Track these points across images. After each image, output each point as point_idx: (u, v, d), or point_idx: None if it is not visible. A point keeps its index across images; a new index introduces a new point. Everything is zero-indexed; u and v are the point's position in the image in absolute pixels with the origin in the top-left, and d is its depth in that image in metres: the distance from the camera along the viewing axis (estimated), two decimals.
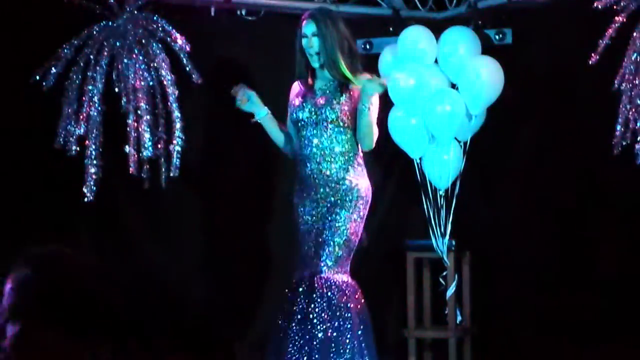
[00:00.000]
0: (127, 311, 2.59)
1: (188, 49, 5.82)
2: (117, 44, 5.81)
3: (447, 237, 6.55)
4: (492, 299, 6.78)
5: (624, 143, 5.63)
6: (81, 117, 5.76)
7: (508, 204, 6.84)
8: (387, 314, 6.97)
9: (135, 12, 5.88)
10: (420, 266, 6.83)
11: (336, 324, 5.22)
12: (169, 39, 5.84)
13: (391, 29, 6.76)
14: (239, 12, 6.58)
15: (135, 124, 5.82)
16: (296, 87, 5.52)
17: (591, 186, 6.46)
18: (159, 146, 5.88)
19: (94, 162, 5.81)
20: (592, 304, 6.34)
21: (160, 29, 5.84)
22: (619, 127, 5.64)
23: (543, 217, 6.67)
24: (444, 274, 6.66)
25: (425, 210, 6.54)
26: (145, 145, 5.83)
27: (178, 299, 6.71)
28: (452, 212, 6.50)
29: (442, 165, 6.43)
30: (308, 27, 5.35)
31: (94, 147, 5.80)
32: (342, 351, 5.22)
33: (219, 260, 6.81)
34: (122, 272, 6.53)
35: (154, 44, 5.83)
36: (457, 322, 6.66)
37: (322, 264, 5.27)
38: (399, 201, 6.77)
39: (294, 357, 5.22)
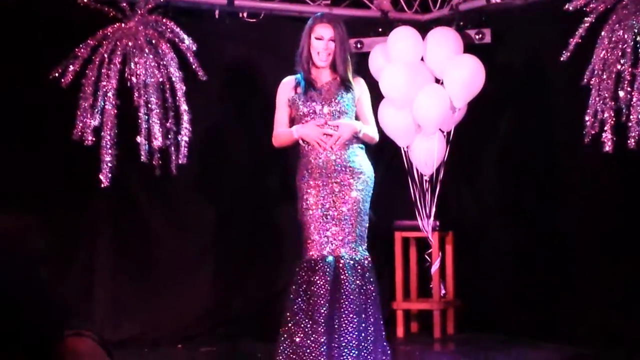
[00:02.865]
0: None
1: (194, 48, 5.72)
2: (130, 43, 5.71)
3: (432, 218, 6.51)
4: (473, 274, 6.75)
5: (593, 132, 5.54)
6: (96, 110, 5.66)
7: (487, 188, 6.81)
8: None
9: (146, 14, 5.78)
10: (407, 245, 6.79)
11: (362, 298, 5.12)
12: (176, 39, 5.75)
13: (380, 29, 6.69)
14: (240, 15, 6.49)
15: (147, 117, 5.73)
16: (291, 83, 5.34)
17: (563, 171, 6.40)
18: (169, 136, 5.77)
19: (109, 151, 5.71)
20: (564, 277, 6.27)
21: (169, 29, 5.76)
22: (588, 118, 5.54)
23: (519, 200, 6.63)
24: (429, 251, 6.63)
25: (412, 194, 6.49)
26: (156, 136, 5.72)
27: (189, 280, 6.60)
28: (436, 195, 6.46)
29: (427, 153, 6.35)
30: (326, 31, 5.21)
31: (109, 137, 5.70)
32: (367, 323, 5.12)
33: (226, 243, 6.70)
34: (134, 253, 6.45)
35: (163, 44, 5.73)
36: (441, 295, 6.62)
37: (343, 244, 5.16)
38: (387, 185, 6.66)
39: (323, 337, 5.08)
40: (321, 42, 5.21)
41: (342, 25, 5.27)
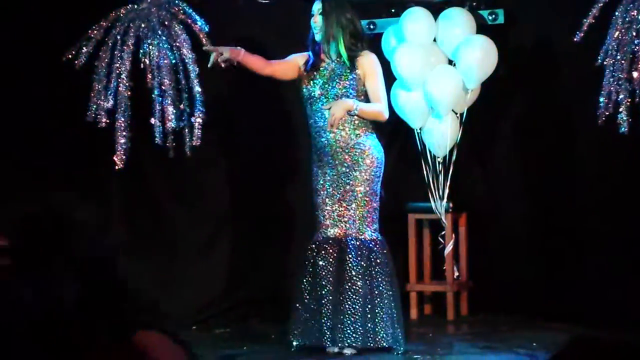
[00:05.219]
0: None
1: (207, 29, 5.70)
2: (142, 25, 5.70)
3: (445, 199, 6.48)
4: (486, 256, 6.71)
5: (607, 114, 5.52)
6: (110, 92, 5.66)
7: (500, 169, 6.78)
8: None
9: None
10: (420, 226, 6.76)
11: (367, 280, 5.12)
12: (189, 20, 5.72)
13: (393, 10, 6.65)
14: None
15: (160, 99, 5.72)
16: (305, 56, 5.36)
17: (577, 153, 6.38)
18: (183, 118, 5.77)
19: (123, 133, 5.71)
20: (577, 259, 6.26)
21: (181, 11, 5.74)
22: (602, 99, 5.52)
23: (533, 181, 6.60)
24: (442, 233, 6.60)
25: (425, 175, 6.47)
26: (169, 118, 5.72)
27: (202, 262, 6.60)
28: (449, 177, 6.44)
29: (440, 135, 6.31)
30: (315, 6, 5.26)
31: (122, 119, 5.70)
32: (374, 304, 5.13)
33: (240, 224, 6.70)
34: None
35: (176, 25, 5.72)
36: (455, 277, 6.61)
37: (348, 226, 5.16)
38: (401, 167, 6.65)
39: (328, 314, 5.10)
40: (312, 18, 5.26)
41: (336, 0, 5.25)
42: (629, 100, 5.44)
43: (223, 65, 5.15)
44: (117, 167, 5.75)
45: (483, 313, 6.59)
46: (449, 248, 6.53)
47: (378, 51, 6.06)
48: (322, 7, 5.23)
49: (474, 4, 6.46)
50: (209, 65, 5.16)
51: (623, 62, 5.43)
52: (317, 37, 5.27)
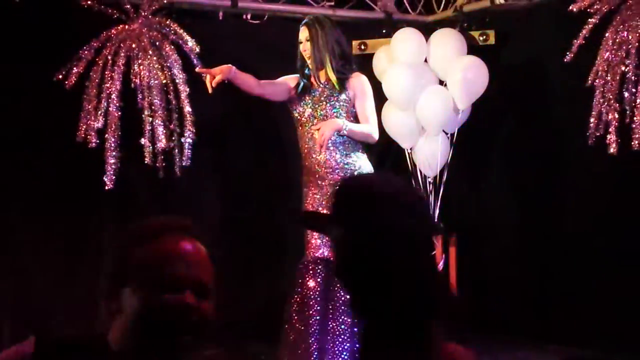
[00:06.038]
0: None
1: (198, 50, 5.72)
2: (133, 45, 5.71)
3: (436, 219, 6.45)
4: (477, 276, 6.71)
5: (597, 134, 5.55)
6: (100, 112, 5.66)
7: (491, 189, 6.80)
8: None
9: (150, 16, 5.79)
10: None
11: None
12: (180, 40, 5.75)
13: (384, 31, 6.69)
14: (244, 17, 6.50)
15: (150, 119, 5.73)
16: (296, 79, 5.37)
17: (568, 172, 6.40)
18: (172, 139, 5.78)
19: (113, 153, 5.71)
20: (568, 279, 6.27)
21: (172, 31, 5.77)
22: (592, 120, 5.56)
23: (524, 201, 6.61)
24: (432, 253, 6.56)
25: None
26: (160, 138, 5.73)
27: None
28: (440, 197, 6.43)
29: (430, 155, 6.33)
30: (302, 34, 5.27)
31: (112, 140, 5.69)
32: (360, 327, 5.11)
33: (230, 244, 6.69)
34: None
35: (167, 46, 5.73)
36: None
37: None
38: None
39: (316, 335, 5.09)
40: (301, 45, 5.27)
41: (321, 24, 5.25)
42: (617, 119, 5.48)
43: (214, 85, 5.17)
44: (106, 188, 5.75)
45: (473, 334, 6.58)
46: (439, 268, 6.54)
47: (369, 72, 6.08)
48: (309, 33, 5.24)
49: (465, 25, 6.52)
50: (210, 92, 5.17)
51: (613, 83, 5.47)
52: (309, 64, 5.27)
